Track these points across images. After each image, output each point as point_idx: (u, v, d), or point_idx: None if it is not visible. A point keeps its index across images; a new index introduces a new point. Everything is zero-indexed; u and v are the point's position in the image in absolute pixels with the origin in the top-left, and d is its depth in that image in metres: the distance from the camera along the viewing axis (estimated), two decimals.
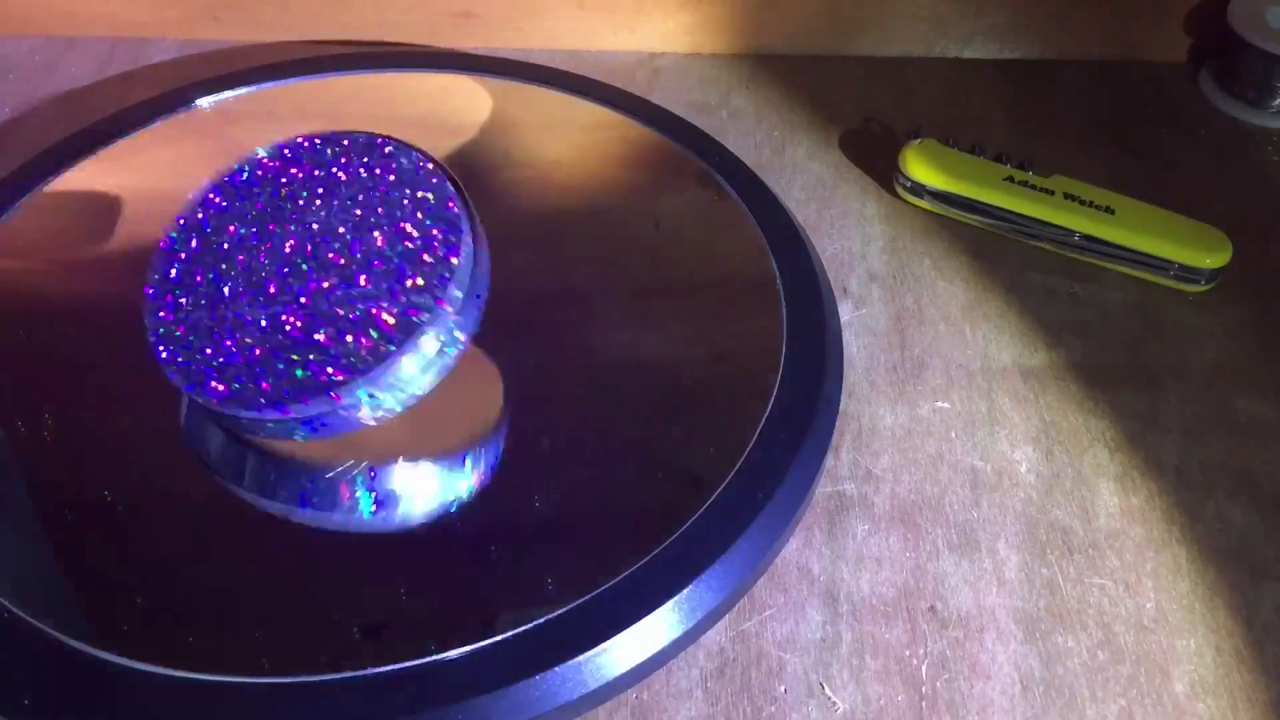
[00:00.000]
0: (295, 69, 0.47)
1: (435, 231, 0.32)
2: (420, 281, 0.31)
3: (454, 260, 0.32)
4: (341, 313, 0.31)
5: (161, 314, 0.33)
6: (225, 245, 0.33)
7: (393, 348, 0.30)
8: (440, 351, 0.31)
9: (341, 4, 0.52)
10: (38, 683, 0.29)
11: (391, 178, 0.34)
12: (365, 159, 0.34)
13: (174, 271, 0.33)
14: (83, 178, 0.43)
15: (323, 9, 0.52)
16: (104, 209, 0.42)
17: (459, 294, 0.31)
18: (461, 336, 0.32)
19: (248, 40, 0.53)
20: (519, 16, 0.52)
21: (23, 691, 0.28)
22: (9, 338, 0.38)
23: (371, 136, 0.35)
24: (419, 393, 0.31)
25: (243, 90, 0.46)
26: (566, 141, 0.46)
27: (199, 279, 0.33)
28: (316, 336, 0.31)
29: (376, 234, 0.33)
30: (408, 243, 0.32)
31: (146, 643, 0.29)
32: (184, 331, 0.32)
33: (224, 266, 0.33)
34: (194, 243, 0.34)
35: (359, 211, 0.33)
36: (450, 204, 0.33)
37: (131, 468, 0.35)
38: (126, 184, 0.43)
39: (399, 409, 0.31)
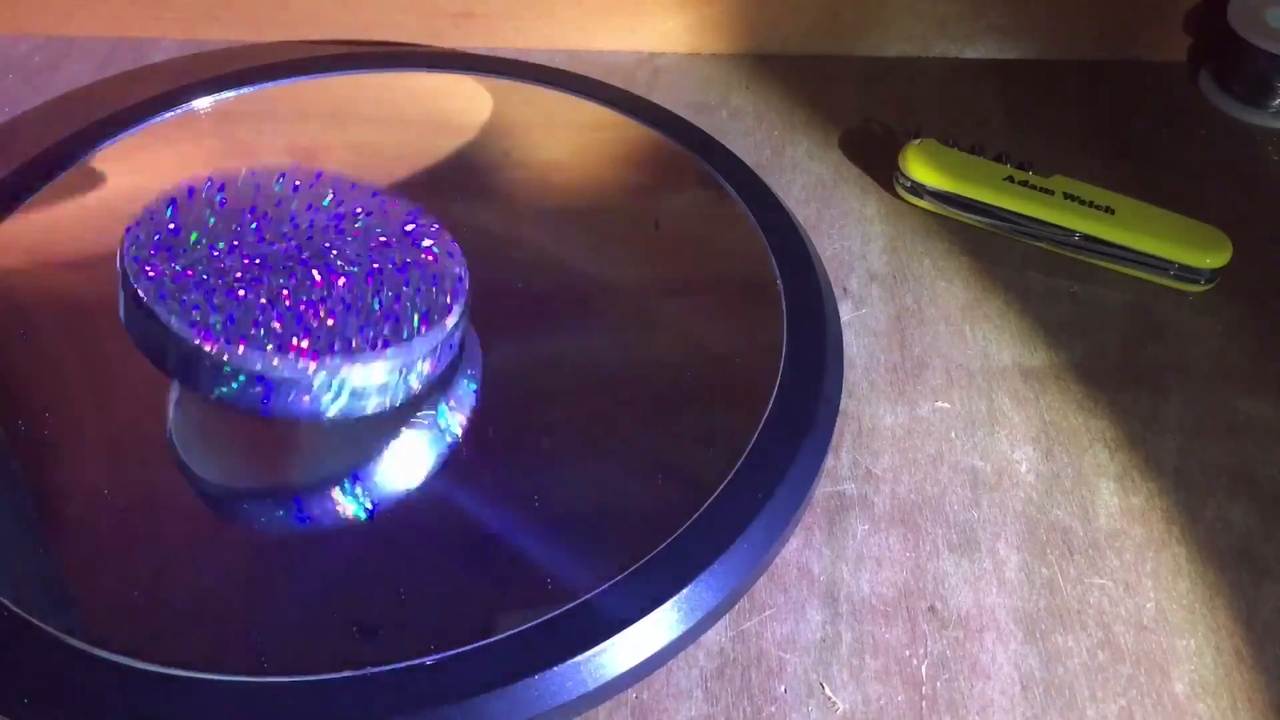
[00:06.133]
0: (295, 69, 0.47)
1: (426, 292, 0.33)
2: (397, 315, 0.32)
3: (440, 321, 0.32)
4: (313, 311, 0.32)
5: (141, 240, 0.33)
6: (227, 219, 0.34)
7: (336, 359, 0.31)
8: (393, 386, 0.32)
9: (341, 4, 0.52)
10: (38, 682, 0.29)
11: (397, 238, 0.35)
12: (380, 221, 0.35)
13: (168, 221, 0.33)
14: (83, 178, 0.43)
15: (323, 9, 0.52)
16: (104, 209, 0.42)
17: (428, 343, 0.32)
18: (425, 378, 0.32)
19: (248, 40, 0.53)
20: (519, 16, 0.52)
21: (23, 691, 0.28)
22: (9, 337, 0.38)
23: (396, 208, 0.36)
24: (361, 410, 0.32)
25: (243, 90, 0.46)
26: (566, 141, 0.46)
27: (193, 237, 0.33)
28: (282, 315, 0.31)
29: (371, 275, 0.33)
30: (401, 289, 0.33)
31: (146, 642, 0.29)
32: (156, 254, 0.32)
33: (220, 232, 0.33)
34: (197, 209, 0.34)
35: (362, 251, 0.34)
36: (450, 269, 0.34)
37: (131, 467, 0.35)
38: (126, 184, 0.43)
39: (340, 414, 0.31)
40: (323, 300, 0.32)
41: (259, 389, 0.31)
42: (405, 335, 0.32)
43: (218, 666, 0.29)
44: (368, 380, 0.31)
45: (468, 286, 0.34)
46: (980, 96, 0.51)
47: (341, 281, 0.32)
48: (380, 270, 0.33)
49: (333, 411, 0.31)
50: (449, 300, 0.33)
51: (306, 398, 0.31)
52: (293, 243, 0.33)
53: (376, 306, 0.32)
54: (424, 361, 0.32)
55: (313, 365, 0.30)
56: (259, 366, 0.30)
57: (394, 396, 0.32)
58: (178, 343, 0.31)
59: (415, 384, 0.32)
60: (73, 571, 0.32)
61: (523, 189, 0.44)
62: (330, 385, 0.31)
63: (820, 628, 0.32)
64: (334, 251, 0.33)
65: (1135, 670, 0.32)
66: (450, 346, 0.33)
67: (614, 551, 0.31)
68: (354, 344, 0.31)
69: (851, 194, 0.46)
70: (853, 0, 0.51)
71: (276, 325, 0.31)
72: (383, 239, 0.34)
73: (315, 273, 0.32)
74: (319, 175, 0.35)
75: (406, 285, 0.33)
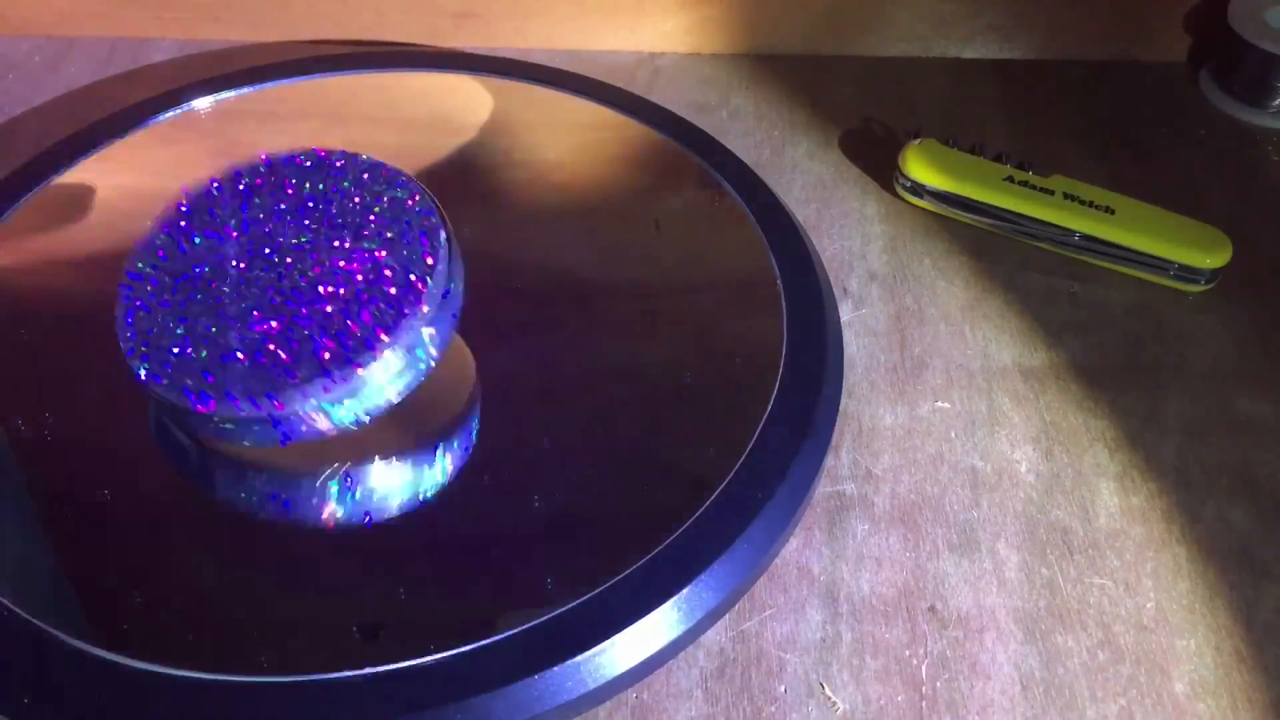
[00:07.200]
0: (295, 69, 0.47)
1: (406, 252, 0.33)
2: (390, 296, 0.32)
3: (426, 278, 0.32)
4: (310, 323, 0.31)
5: (133, 314, 0.33)
6: (201, 253, 0.34)
7: (356, 359, 0.31)
8: (406, 367, 0.32)
9: (341, 4, 0.52)
10: (37, 682, 0.29)
11: (370, 196, 0.34)
12: (346, 176, 0.35)
13: (147, 276, 0.34)
14: (83, 178, 0.43)
15: (323, 9, 0.52)
16: (104, 209, 0.42)
17: (427, 311, 0.32)
18: (433, 351, 0.32)
19: (248, 40, 0.53)
20: (519, 16, 0.52)
21: (23, 691, 0.28)
22: (8, 337, 0.38)
23: (354, 156, 0.35)
24: (383, 404, 0.32)
25: (243, 90, 0.46)
26: (566, 141, 0.46)
27: (173, 283, 0.33)
28: (283, 342, 0.31)
29: (351, 249, 0.33)
30: (381, 257, 0.32)
31: (146, 642, 0.29)
32: (155, 333, 0.32)
33: (199, 273, 0.33)
34: (167, 250, 0.34)
35: (337, 228, 0.34)
36: (425, 223, 0.33)
37: (131, 467, 0.35)
38: (126, 184, 0.43)
39: (365, 419, 0.31)
40: (305, 317, 0.32)
41: (276, 432, 0.31)
42: (395, 317, 0.31)
43: (218, 666, 0.29)
44: (378, 378, 0.31)
45: (450, 236, 0.33)
46: (980, 96, 0.51)
47: (320, 287, 0.32)
48: (353, 262, 0.33)
49: (355, 415, 0.31)
50: (431, 262, 0.32)
51: (325, 421, 0.31)
52: (271, 256, 0.33)
53: (367, 304, 0.32)
54: (429, 330, 0.32)
55: (311, 400, 0.30)
56: (262, 414, 0.31)
57: (412, 377, 0.32)
58: (190, 418, 0.31)
59: (432, 352, 0.32)
60: (73, 571, 0.32)
61: (523, 189, 0.44)
62: (342, 400, 0.31)
63: (820, 628, 0.32)
64: (309, 255, 0.33)
65: (1135, 670, 0.32)
66: (449, 303, 0.33)
67: (614, 551, 0.31)
68: (348, 352, 0.31)
69: (851, 194, 0.46)
70: (853, 0, 0.51)
71: (272, 357, 0.31)
72: (355, 217, 0.34)
73: (295, 285, 0.32)
74: (268, 162, 0.35)
75: (384, 266, 0.33)
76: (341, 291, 0.32)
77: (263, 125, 0.47)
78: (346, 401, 0.31)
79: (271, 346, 0.31)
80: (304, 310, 0.32)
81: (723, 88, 0.51)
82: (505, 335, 0.38)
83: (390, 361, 0.31)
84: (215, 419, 0.31)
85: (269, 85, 0.47)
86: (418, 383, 0.32)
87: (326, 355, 0.31)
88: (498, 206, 0.43)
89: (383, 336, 0.31)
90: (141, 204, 0.43)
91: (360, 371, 0.30)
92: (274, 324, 0.31)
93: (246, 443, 0.32)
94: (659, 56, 0.53)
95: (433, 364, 0.32)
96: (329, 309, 0.32)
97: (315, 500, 0.33)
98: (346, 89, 0.48)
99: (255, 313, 0.32)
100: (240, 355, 0.31)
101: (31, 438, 0.35)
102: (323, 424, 0.31)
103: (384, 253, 0.33)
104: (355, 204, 0.34)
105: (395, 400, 0.32)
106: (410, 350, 0.31)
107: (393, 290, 0.32)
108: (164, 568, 0.32)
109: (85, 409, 0.36)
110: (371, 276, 0.32)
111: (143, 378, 0.31)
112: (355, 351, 0.31)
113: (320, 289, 0.32)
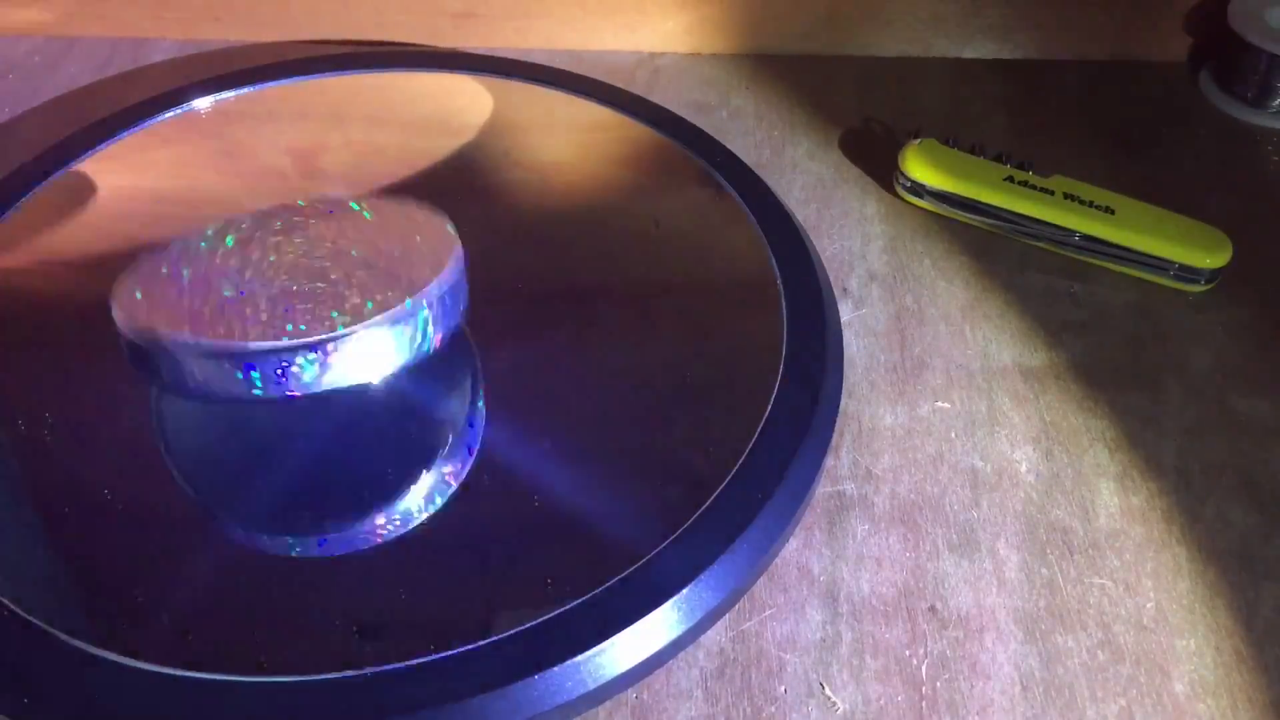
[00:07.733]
0: (295, 69, 0.47)
1: (414, 242, 0.33)
2: (388, 282, 0.32)
3: (431, 268, 0.32)
4: (301, 289, 0.32)
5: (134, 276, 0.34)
6: (203, 252, 0.34)
7: (345, 322, 0.31)
8: (400, 341, 0.32)
9: (341, 4, 0.52)
10: (37, 682, 0.29)
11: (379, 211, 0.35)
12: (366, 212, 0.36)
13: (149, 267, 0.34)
14: (83, 178, 0.43)
15: (323, 9, 0.52)
16: (104, 209, 0.42)
17: (426, 301, 0.32)
18: (431, 330, 0.32)
19: (248, 40, 0.53)
20: (519, 16, 0.52)
21: (23, 691, 0.28)
22: (8, 337, 0.38)
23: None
24: (370, 376, 0.32)
25: (243, 90, 0.46)
26: (566, 141, 0.46)
27: (178, 262, 0.34)
28: (273, 300, 0.32)
29: (356, 244, 0.33)
30: (387, 246, 0.33)
31: (146, 641, 0.29)
32: (143, 284, 0.33)
33: (206, 252, 0.34)
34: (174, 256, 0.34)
35: (345, 234, 0.34)
36: (433, 219, 0.34)
37: (131, 467, 0.35)
38: (126, 184, 0.43)
39: (341, 384, 0.32)
40: (309, 284, 0.32)
41: (248, 381, 0.31)
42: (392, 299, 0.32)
43: (217, 666, 0.29)
44: (368, 348, 0.31)
45: (458, 239, 0.34)
46: (980, 96, 0.51)
47: (327, 259, 0.33)
48: (357, 237, 0.33)
49: (338, 380, 0.31)
50: (441, 256, 0.33)
51: (308, 367, 0.31)
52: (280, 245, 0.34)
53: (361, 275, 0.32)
54: (428, 317, 0.32)
55: (293, 356, 0.31)
56: (252, 349, 0.31)
57: (406, 353, 0.32)
58: (162, 345, 0.31)
59: (430, 331, 0.32)
60: (73, 571, 0.32)
61: (523, 189, 0.44)
62: (328, 361, 0.31)
63: (820, 628, 0.32)
64: (315, 234, 0.34)
65: (1135, 670, 0.32)
66: (452, 301, 0.33)
67: (614, 551, 0.31)
68: (344, 313, 0.31)
69: (851, 194, 0.46)
70: (852, 0, 0.51)
71: (263, 314, 0.31)
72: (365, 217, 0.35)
73: (298, 253, 0.33)
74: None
75: (395, 251, 0.33)
76: (345, 257, 0.33)
77: (263, 125, 0.47)
78: (333, 364, 0.31)
79: (263, 304, 0.31)
80: (304, 277, 0.32)
81: (723, 88, 0.51)
82: (503, 335, 0.38)
83: (383, 333, 0.31)
84: (186, 359, 0.31)
85: (269, 85, 0.47)
86: (414, 360, 0.32)
87: (318, 316, 0.31)
88: (497, 207, 0.43)
89: (376, 296, 0.31)
90: (141, 204, 0.43)
91: (350, 336, 0.31)
92: (270, 286, 0.32)
93: (216, 389, 0.32)
94: (659, 56, 0.53)
95: (430, 345, 0.32)
96: (330, 276, 0.32)
97: (316, 500, 0.33)
98: (346, 89, 0.48)
99: (252, 277, 0.32)
100: (231, 306, 0.31)
101: (31, 437, 0.35)
102: (304, 379, 0.31)
103: (386, 233, 0.33)
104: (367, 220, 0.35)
105: (382, 375, 0.32)
106: (404, 325, 0.32)
107: (390, 263, 0.32)
108: (164, 568, 0.32)
109: (85, 409, 0.36)
110: (373, 249, 0.33)
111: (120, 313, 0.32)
112: (349, 313, 0.31)
113: (322, 260, 0.33)
